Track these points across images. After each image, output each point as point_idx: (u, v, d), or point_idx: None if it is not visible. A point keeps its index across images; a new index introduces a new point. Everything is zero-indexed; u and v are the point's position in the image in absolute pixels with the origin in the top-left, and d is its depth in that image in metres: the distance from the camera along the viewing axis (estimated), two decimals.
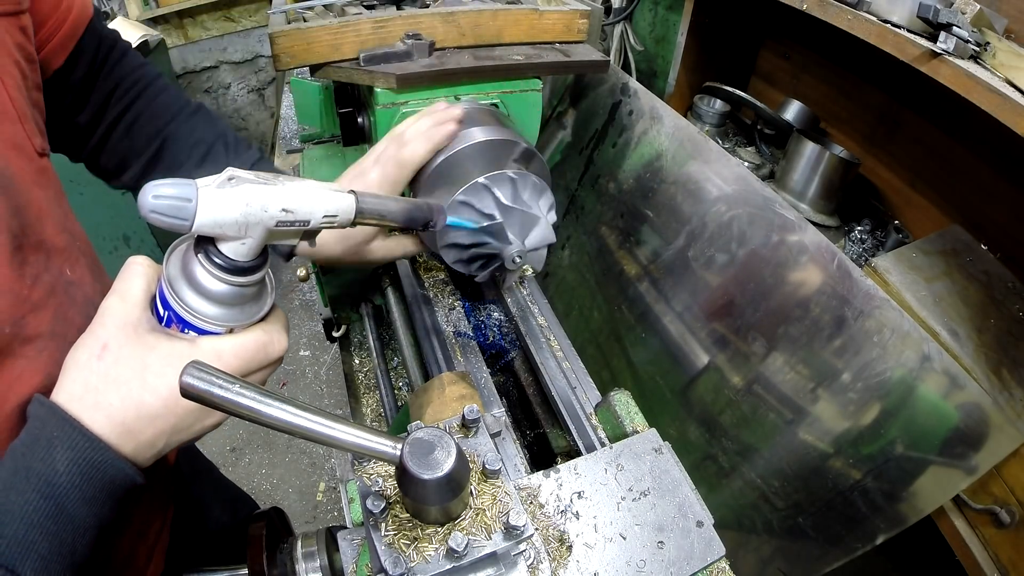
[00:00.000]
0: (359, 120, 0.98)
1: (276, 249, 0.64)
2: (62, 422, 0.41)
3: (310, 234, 0.48)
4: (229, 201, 0.41)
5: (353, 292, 1.13)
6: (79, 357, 0.44)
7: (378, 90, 0.82)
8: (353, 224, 0.49)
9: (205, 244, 0.44)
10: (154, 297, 0.47)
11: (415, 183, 0.76)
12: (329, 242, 0.71)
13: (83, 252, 0.55)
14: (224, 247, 0.44)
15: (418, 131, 0.72)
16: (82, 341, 0.45)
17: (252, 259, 0.45)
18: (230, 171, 0.43)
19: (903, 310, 0.79)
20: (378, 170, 0.71)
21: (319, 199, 0.45)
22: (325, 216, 0.46)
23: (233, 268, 0.44)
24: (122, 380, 0.43)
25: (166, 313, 0.46)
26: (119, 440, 0.43)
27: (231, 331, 0.48)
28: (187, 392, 0.38)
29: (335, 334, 1.26)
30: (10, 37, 0.49)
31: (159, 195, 0.39)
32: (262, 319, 0.50)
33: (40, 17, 0.54)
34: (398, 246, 0.80)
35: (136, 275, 0.46)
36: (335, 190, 0.47)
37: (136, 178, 0.69)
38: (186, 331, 0.47)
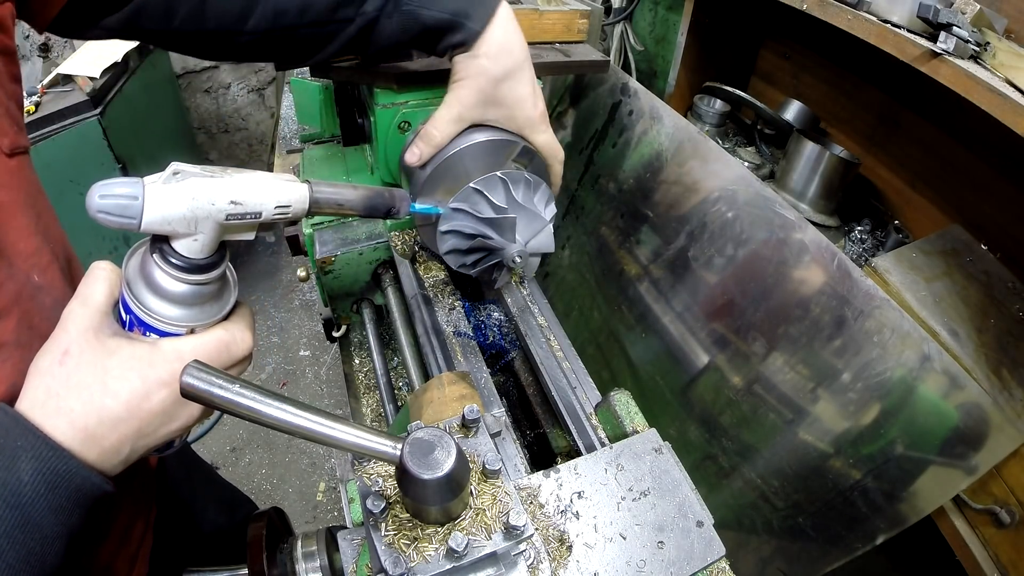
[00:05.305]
0: (359, 120, 0.99)
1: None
2: (25, 431, 0.41)
3: (266, 227, 0.47)
4: (175, 196, 0.41)
5: (353, 292, 1.12)
6: (41, 364, 0.44)
7: (378, 90, 0.82)
8: (309, 214, 0.48)
9: (160, 243, 0.44)
10: (117, 302, 0.47)
11: (414, 180, 0.76)
12: None
13: (56, 255, 0.54)
14: (177, 245, 0.43)
15: None
16: (45, 347, 0.44)
17: (207, 256, 0.45)
18: (175, 165, 0.42)
19: (903, 310, 0.79)
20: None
21: (270, 190, 0.45)
22: (277, 207, 0.45)
23: (189, 266, 0.44)
24: (83, 385, 0.43)
25: (128, 317, 0.46)
26: (82, 447, 0.42)
27: (193, 332, 0.48)
28: (187, 392, 0.38)
29: (335, 334, 1.26)
30: None
31: (105, 194, 0.39)
32: (225, 317, 0.50)
33: None
34: None
35: (99, 280, 0.46)
36: (287, 180, 0.46)
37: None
38: (148, 334, 0.46)
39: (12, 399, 0.43)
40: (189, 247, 0.43)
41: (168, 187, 0.41)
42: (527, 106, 0.71)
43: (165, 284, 0.45)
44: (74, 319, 0.44)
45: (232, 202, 0.43)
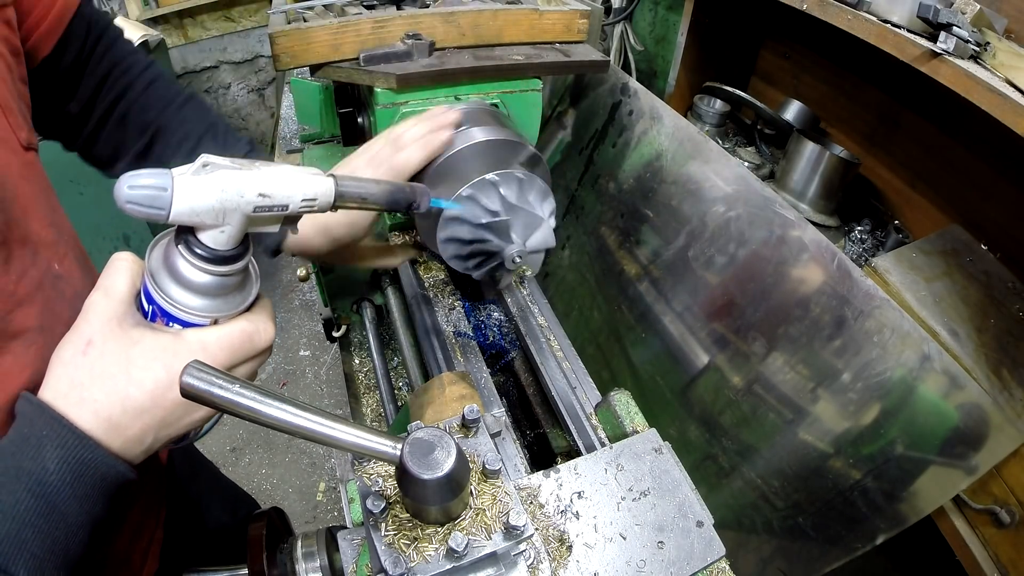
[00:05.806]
0: (359, 120, 0.99)
1: (261, 241, 0.63)
2: (51, 420, 0.41)
3: (291, 219, 0.47)
4: (204, 188, 0.41)
5: (353, 292, 1.13)
6: (64, 354, 0.44)
7: (378, 90, 0.82)
8: (334, 208, 0.48)
9: (185, 234, 0.44)
10: (139, 293, 0.47)
11: (414, 181, 0.76)
12: (309, 234, 0.70)
13: (71, 247, 0.55)
14: (204, 236, 0.43)
15: (415, 136, 0.71)
16: (67, 338, 0.45)
17: (233, 248, 0.45)
18: (204, 157, 0.42)
19: (903, 310, 0.79)
20: (370, 172, 0.70)
21: (297, 183, 0.45)
22: (304, 200, 0.45)
23: (214, 257, 0.44)
24: (107, 375, 0.43)
25: (151, 307, 0.46)
26: (106, 436, 0.43)
27: (216, 322, 0.48)
28: (187, 392, 0.38)
29: (335, 334, 1.26)
30: None
31: (135, 185, 0.39)
32: (247, 309, 0.50)
33: (27, 5, 0.54)
34: (391, 253, 0.80)
35: (120, 271, 0.46)
36: (314, 173, 0.47)
37: (128, 169, 0.70)
38: (171, 324, 0.46)
39: (35, 385, 0.44)
40: (215, 238, 0.43)
41: (197, 178, 0.41)
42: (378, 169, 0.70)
43: (190, 275, 0.45)
44: (96, 309, 0.45)
45: (260, 194, 0.43)
